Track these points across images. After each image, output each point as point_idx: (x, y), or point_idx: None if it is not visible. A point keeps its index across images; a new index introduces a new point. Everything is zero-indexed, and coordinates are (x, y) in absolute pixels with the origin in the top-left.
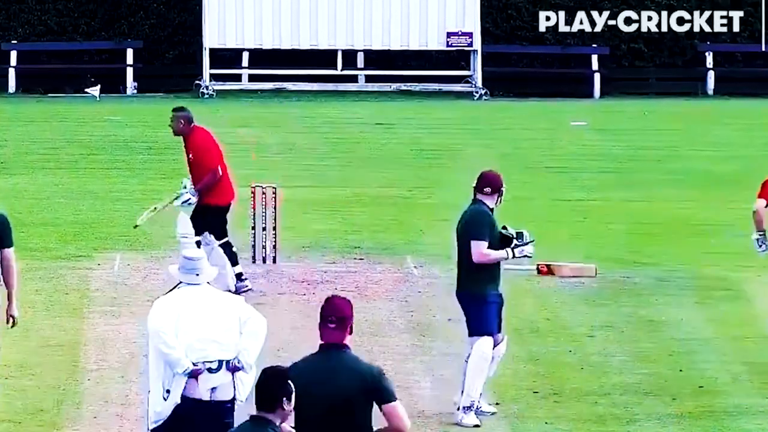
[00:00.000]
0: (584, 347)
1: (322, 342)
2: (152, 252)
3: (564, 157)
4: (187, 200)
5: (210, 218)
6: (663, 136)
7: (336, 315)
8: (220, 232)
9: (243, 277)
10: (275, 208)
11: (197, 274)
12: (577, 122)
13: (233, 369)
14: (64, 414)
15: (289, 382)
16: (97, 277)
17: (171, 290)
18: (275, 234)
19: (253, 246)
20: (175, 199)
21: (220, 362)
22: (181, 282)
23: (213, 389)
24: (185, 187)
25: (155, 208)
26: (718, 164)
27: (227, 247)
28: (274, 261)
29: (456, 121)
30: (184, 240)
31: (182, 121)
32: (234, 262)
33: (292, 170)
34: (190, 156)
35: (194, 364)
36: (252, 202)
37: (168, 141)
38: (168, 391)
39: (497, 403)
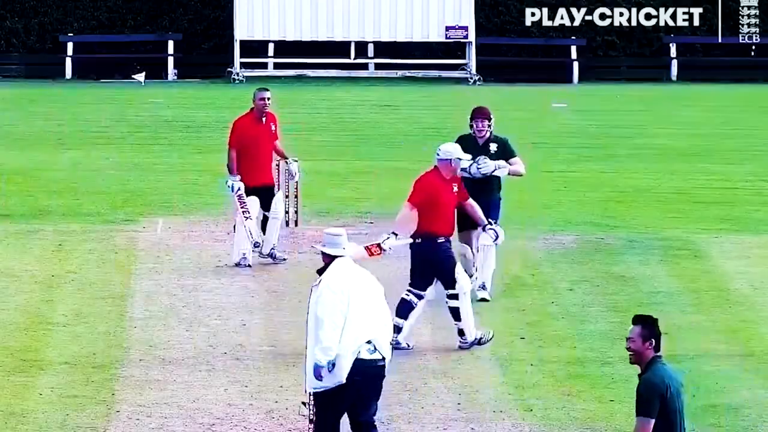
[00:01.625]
0: (565, 299)
1: None
2: (190, 217)
3: (547, 135)
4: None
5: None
6: (632, 116)
7: None
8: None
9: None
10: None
11: (343, 248)
12: (558, 104)
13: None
14: (114, 356)
15: None
16: (143, 239)
17: (326, 267)
18: (297, 201)
19: None
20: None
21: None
22: (333, 257)
23: (371, 351)
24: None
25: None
26: (680, 140)
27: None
28: (296, 224)
29: (453, 103)
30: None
31: None
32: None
33: (311, 146)
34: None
35: (330, 364)
36: (277, 174)
37: (203, 120)
38: (333, 365)
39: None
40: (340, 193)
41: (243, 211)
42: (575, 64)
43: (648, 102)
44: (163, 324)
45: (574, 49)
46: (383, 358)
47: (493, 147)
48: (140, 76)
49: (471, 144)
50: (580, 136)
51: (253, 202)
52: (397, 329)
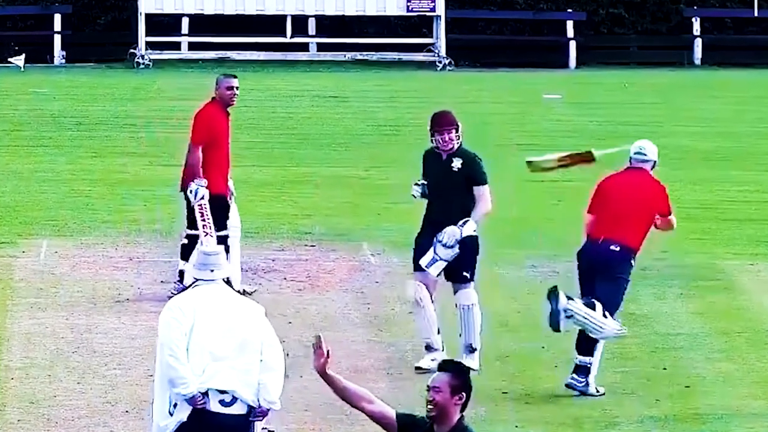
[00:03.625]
0: (559, 343)
1: None
2: (82, 238)
3: (536, 134)
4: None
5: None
6: (645, 111)
7: None
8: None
9: None
10: None
11: (212, 270)
12: (551, 95)
13: (258, 415)
14: None
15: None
16: (22, 266)
17: (185, 289)
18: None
19: None
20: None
21: (234, 398)
22: (196, 280)
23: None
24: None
25: None
26: (705, 141)
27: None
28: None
29: (417, 94)
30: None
31: None
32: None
33: (236, 148)
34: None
35: (200, 393)
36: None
37: (99, 115)
38: (175, 405)
39: None
40: (272, 207)
41: (203, 225)
42: (572, 45)
43: (664, 92)
44: (48, 375)
45: (570, 24)
46: (244, 414)
47: (456, 163)
48: (19, 60)
49: (431, 160)
50: (578, 135)
51: (234, 218)
52: (585, 370)
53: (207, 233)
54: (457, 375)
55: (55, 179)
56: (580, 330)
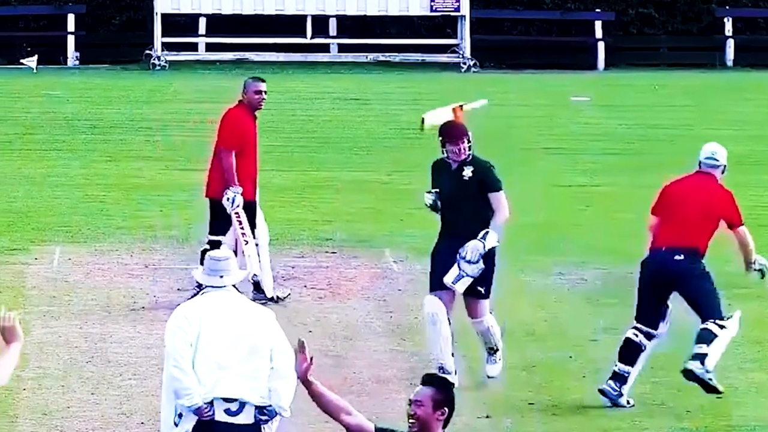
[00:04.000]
0: (587, 353)
1: None
2: (96, 245)
3: (564, 137)
4: None
5: None
6: (676, 113)
7: None
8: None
9: None
10: None
11: (221, 276)
12: (579, 97)
13: (266, 418)
14: None
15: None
16: (34, 273)
17: (194, 296)
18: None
19: None
20: None
21: (242, 404)
22: (205, 286)
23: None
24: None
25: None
26: (738, 144)
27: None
28: (235, 254)
29: (441, 96)
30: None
31: None
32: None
33: None
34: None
35: (206, 404)
36: None
37: (114, 118)
38: (180, 416)
39: (487, 416)
40: (292, 213)
41: (242, 233)
42: (600, 45)
43: (696, 95)
44: (62, 385)
45: (599, 25)
46: (251, 424)
47: (467, 172)
48: (31, 61)
49: (442, 171)
50: (607, 139)
51: (260, 225)
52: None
53: (247, 241)
54: (441, 389)
55: (69, 184)
56: (626, 338)
